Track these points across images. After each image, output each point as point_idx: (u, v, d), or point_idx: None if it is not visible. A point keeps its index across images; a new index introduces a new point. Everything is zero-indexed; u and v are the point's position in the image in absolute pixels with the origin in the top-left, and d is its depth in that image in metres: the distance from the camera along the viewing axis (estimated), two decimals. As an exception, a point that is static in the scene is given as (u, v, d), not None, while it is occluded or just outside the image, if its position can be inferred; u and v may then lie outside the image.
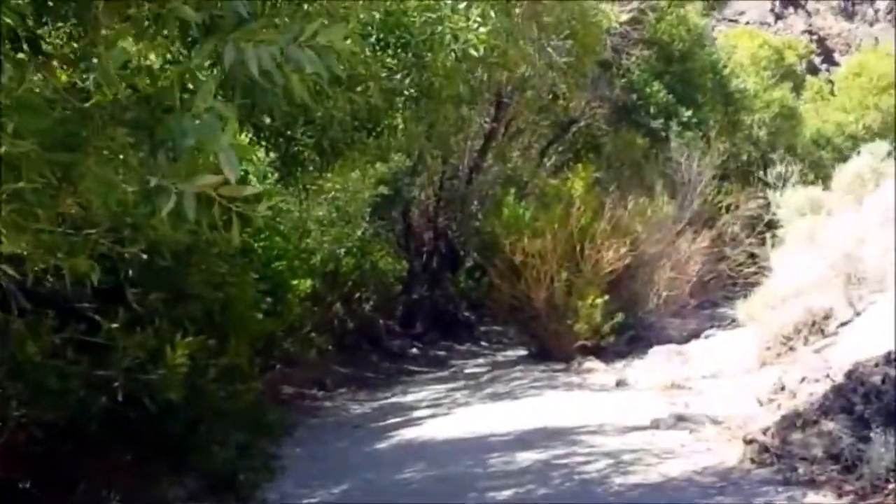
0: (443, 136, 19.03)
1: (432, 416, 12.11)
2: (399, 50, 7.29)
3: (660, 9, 23.61)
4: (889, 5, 45.80)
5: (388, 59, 7.24)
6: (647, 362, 14.05)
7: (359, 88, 6.53)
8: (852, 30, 45.25)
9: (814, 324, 12.01)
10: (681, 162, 20.63)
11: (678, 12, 23.94)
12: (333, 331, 18.39)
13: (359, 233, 17.69)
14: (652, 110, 22.86)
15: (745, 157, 28.83)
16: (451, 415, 11.99)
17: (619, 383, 12.62)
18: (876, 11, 45.91)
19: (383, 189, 15.62)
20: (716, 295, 19.30)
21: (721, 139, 24.16)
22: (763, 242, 20.17)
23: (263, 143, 7.06)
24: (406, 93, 7.44)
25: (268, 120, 6.34)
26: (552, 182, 15.76)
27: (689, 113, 22.91)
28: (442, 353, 20.86)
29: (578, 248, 14.97)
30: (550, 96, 22.44)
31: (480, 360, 19.74)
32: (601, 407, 11.10)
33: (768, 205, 22.36)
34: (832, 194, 14.37)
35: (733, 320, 18.25)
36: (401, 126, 7.73)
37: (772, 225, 17.78)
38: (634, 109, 22.97)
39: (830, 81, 37.03)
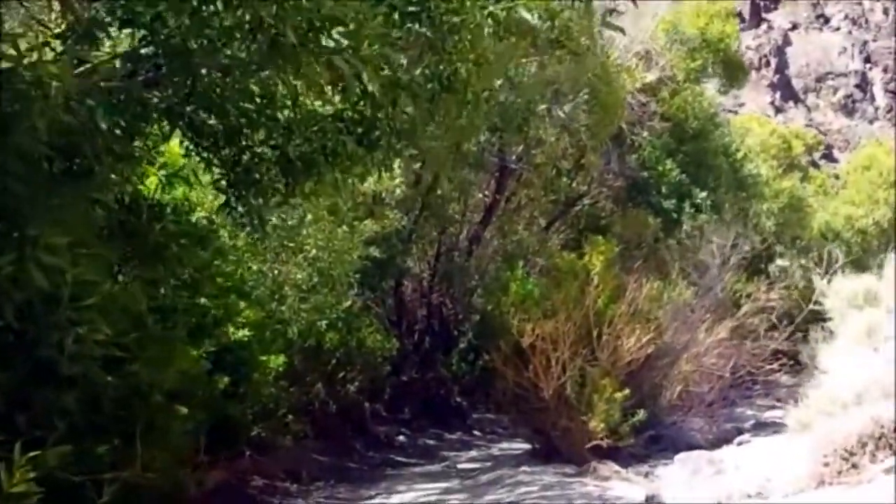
0: (443, 199, 17.03)
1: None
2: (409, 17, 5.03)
3: (677, 81, 21.74)
4: (889, 103, 44.39)
5: (394, 31, 4.99)
6: (674, 472, 11.74)
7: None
8: (852, 126, 43.73)
9: (881, 437, 9.77)
10: (698, 246, 18.64)
11: (694, 88, 22.03)
12: (313, 414, 16.10)
13: (345, 304, 15.46)
14: (664, 189, 20.86)
15: (747, 248, 26.89)
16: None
17: (650, 500, 10.26)
18: (876, 109, 44.51)
19: (374, 251, 13.36)
20: (733, 394, 17.00)
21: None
22: (793, 337, 18.06)
23: (204, 153, 4.81)
24: (416, 83, 5.14)
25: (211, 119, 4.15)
26: (567, 256, 13.50)
27: (704, 195, 20.91)
28: (432, 442, 18.52)
29: (595, 332, 12.71)
30: (554, 170, 20.51)
31: (474, 454, 17.41)
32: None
33: (791, 296, 20.29)
34: (888, 285, 12.18)
35: (761, 424, 16.06)
36: (406, 128, 5.37)
37: (815, 317, 15.68)
38: (646, 188, 20.95)
39: (836, 176, 35.24)
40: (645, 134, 21.03)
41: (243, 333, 9.03)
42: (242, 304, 9.18)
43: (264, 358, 10.46)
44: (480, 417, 21.09)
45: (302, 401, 15.10)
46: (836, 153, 42.73)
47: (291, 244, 10.33)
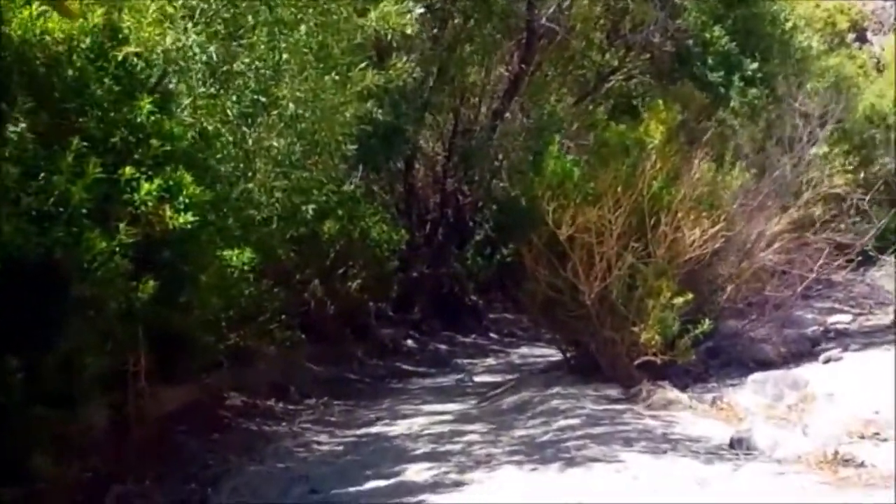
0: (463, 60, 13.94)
1: (434, 482, 6.97)
2: None
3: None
4: (925, -16, 40.39)
5: None
6: (749, 398, 8.96)
7: None
8: (886, 8, 39.75)
9: None
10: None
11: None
12: (308, 317, 13.34)
13: (344, 186, 12.57)
14: (710, 60, 17.65)
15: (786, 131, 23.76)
16: (465, 486, 6.82)
17: (737, 445, 7.39)
18: (913, -12, 40.44)
19: (376, 111, 10.31)
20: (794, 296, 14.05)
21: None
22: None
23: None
24: None
25: None
26: (615, 127, 10.48)
27: (755, 66, 17.70)
28: (443, 346, 15.79)
29: (650, 222, 9.79)
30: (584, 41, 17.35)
31: (492, 362, 14.68)
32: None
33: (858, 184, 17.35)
34: None
35: (831, 332, 13.17)
36: None
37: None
38: (689, 59, 17.74)
39: (877, 58, 31.68)
40: (688, -4, 17.78)
41: (185, 219, 6.11)
42: (188, 178, 6.23)
43: (224, 252, 7.57)
44: (497, 318, 18.38)
45: (294, 302, 12.31)
46: (869, 35, 38.94)
47: (264, 98, 7.36)
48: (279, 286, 11.47)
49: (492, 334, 17.30)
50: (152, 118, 6.35)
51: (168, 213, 6.12)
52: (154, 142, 6.18)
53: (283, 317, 11.51)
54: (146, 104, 6.37)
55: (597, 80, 18.38)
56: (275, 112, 7.33)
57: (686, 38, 17.65)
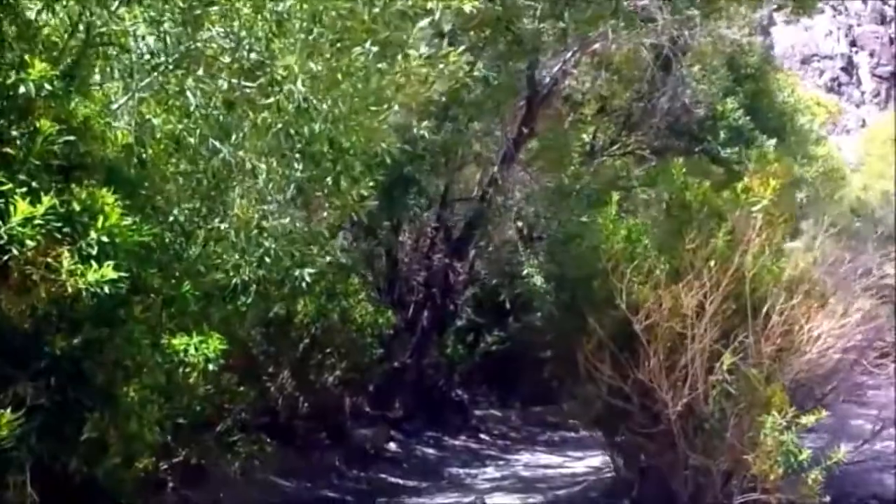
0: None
1: None
2: None
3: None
4: (875, 88, 38.94)
5: None
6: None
7: None
8: (840, 108, 38.08)
9: None
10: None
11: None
12: (275, 416, 10.14)
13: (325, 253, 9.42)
14: (723, 135, 14.98)
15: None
16: None
17: None
18: (862, 93, 38.94)
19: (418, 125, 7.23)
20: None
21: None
22: None
23: None
24: None
25: None
26: (698, 186, 7.48)
27: (772, 142, 15.06)
28: (431, 451, 12.53)
29: (750, 309, 6.78)
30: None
31: (494, 474, 11.52)
32: None
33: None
34: None
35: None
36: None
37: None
38: (700, 132, 15.06)
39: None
40: (696, 67, 15.17)
41: (100, 275, 2.92)
42: (110, 199, 3.07)
43: (173, 341, 4.34)
44: (483, 415, 15.17)
45: (259, 400, 9.10)
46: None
47: (249, 84, 4.30)
48: (245, 382, 8.28)
49: (482, 435, 14.07)
50: (49, 90, 3.20)
51: (68, 263, 2.93)
52: (44, 124, 3.02)
53: (247, 421, 8.31)
54: (40, 70, 3.22)
55: (587, 154, 15.47)
56: (267, 109, 4.18)
57: (697, 110, 14.97)
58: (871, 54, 40.16)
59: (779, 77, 18.55)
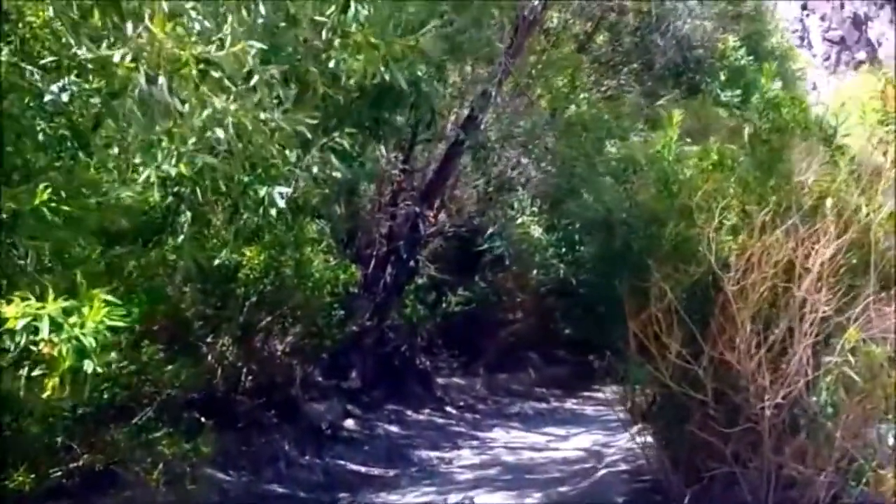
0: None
1: None
2: None
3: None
4: (826, 51, 37.56)
5: None
6: None
7: None
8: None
9: None
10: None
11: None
12: (213, 391, 8.02)
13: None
14: (723, 76, 13.10)
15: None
16: None
17: None
18: (813, 56, 37.45)
19: None
20: None
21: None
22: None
23: None
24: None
25: None
26: (797, 102, 5.48)
27: (778, 87, 13.16)
28: (394, 429, 10.54)
29: (875, 264, 4.80)
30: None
31: (473, 459, 9.57)
32: None
33: None
34: None
35: None
36: None
37: None
38: (697, 71, 13.13)
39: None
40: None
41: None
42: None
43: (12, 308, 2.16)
44: (446, 383, 13.18)
45: (194, 373, 6.96)
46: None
47: None
48: (174, 351, 6.17)
49: (448, 408, 12.11)
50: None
51: None
52: None
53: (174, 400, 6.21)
54: None
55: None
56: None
57: (694, 47, 13.02)
58: (822, 18, 38.83)
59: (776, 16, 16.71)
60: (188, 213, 3.47)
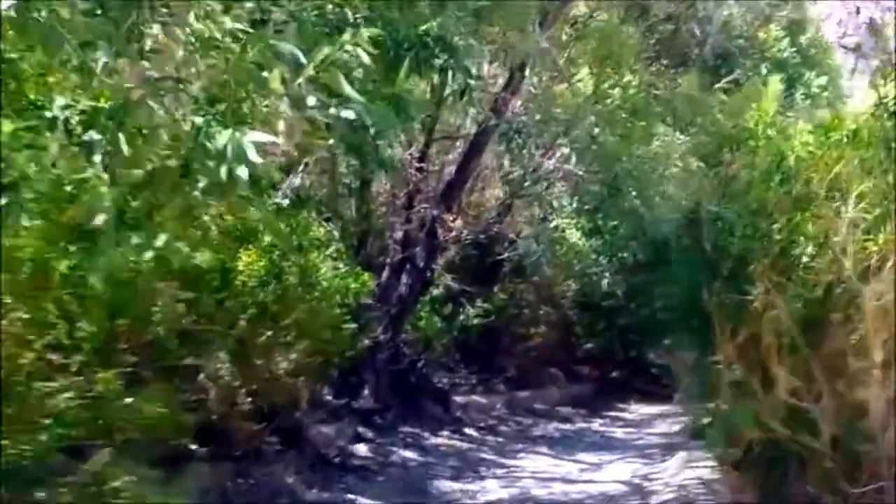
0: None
1: None
2: None
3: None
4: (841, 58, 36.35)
5: None
6: None
7: None
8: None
9: None
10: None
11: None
12: (206, 414, 6.90)
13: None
14: (764, 68, 11.97)
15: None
16: None
17: None
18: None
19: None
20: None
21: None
22: None
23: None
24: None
25: None
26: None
27: (823, 82, 12.19)
28: (410, 455, 9.43)
29: None
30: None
31: (493, 489, 8.33)
32: None
33: None
34: None
35: None
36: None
37: None
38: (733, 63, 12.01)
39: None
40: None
41: None
42: None
43: None
44: (465, 402, 12.03)
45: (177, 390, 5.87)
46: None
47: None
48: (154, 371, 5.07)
49: (467, 429, 10.97)
50: None
51: None
52: None
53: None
54: None
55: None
56: None
57: (734, 38, 11.90)
58: (839, 23, 37.69)
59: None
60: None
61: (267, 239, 7.10)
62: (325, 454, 8.31)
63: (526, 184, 9.56)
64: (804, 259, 3.98)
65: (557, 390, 14.20)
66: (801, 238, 4.04)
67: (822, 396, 3.86)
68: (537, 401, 13.45)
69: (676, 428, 12.36)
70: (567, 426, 12.48)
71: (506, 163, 12.55)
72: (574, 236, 7.81)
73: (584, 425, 12.77)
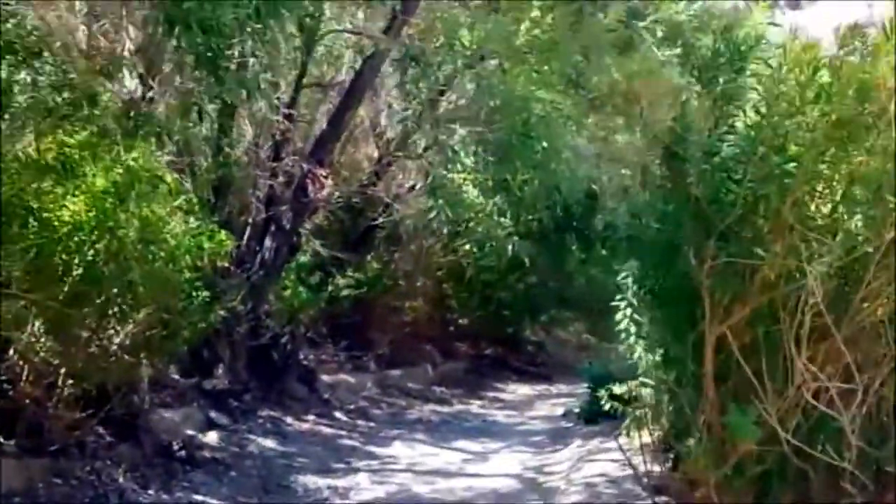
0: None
1: None
2: None
3: None
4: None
5: None
6: None
7: None
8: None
9: None
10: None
11: None
12: (14, 403, 5.40)
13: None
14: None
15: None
16: None
17: None
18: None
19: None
20: None
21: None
22: None
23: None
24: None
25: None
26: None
27: None
28: (271, 444, 8.13)
29: None
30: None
31: (366, 486, 7.13)
32: None
33: None
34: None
35: None
36: None
37: None
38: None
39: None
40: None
41: None
42: None
43: None
44: (334, 382, 10.80)
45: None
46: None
47: None
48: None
49: (337, 413, 9.74)
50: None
51: None
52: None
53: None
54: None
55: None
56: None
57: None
58: None
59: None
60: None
61: (100, 182, 5.68)
62: (167, 446, 6.91)
63: (421, 127, 8.27)
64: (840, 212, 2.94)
65: (432, 368, 13.11)
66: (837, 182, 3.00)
67: (854, 399, 2.92)
68: (411, 380, 12.33)
69: (560, 411, 11.48)
70: (444, 408, 11.41)
71: (383, 119, 11.40)
72: (472, 194, 6.62)
73: (461, 407, 11.72)
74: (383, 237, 12.36)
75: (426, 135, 8.12)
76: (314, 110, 9.64)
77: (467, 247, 9.58)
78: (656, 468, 6.31)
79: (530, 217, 6.49)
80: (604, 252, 16.48)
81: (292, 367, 9.80)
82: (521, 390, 13.99)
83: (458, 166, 6.80)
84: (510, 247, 7.46)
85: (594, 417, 9.45)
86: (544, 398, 13.23)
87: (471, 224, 7.26)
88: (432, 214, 7.53)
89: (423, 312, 13.45)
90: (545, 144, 6.00)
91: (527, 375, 15.17)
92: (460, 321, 15.07)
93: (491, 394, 13.17)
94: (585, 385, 10.96)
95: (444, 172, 6.85)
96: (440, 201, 7.30)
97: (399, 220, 12.07)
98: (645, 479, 5.42)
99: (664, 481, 4.89)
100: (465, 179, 6.70)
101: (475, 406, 11.92)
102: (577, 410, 10.61)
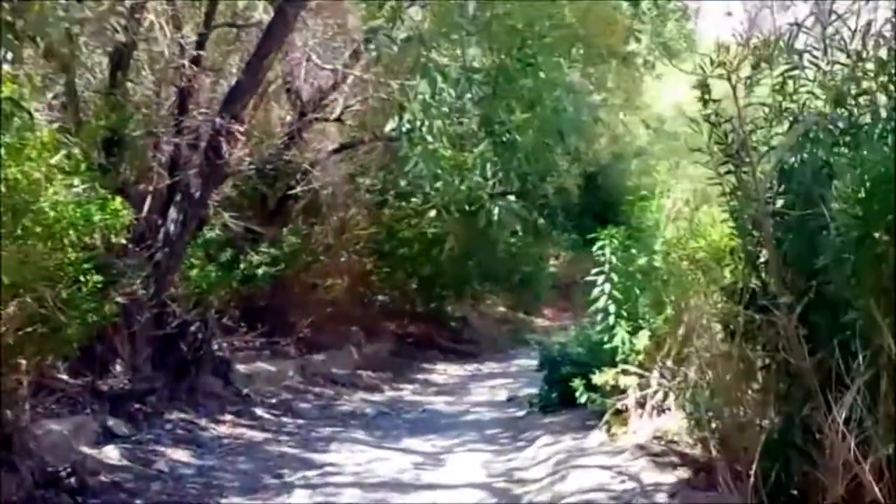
0: None
1: None
2: None
3: None
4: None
5: None
6: None
7: None
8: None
9: None
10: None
11: None
12: None
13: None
14: None
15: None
16: None
17: None
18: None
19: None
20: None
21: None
22: None
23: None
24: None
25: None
26: None
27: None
28: (183, 456, 6.68)
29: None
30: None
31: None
32: None
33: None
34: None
35: None
36: None
37: None
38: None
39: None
40: None
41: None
42: None
43: None
44: (251, 372, 9.36)
45: None
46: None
47: None
48: None
49: (257, 409, 8.28)
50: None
51: None
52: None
53: None
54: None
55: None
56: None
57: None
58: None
59: None
60: None
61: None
62: (53, 472, 5.37)
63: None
64: None
65: (357, 351, 11.76)
66: None
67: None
68: (335, 365, 10.98)
69: (502, 396, 10.30)
70: (376, 397, 10.08)
71: (301, 75, 9.98)
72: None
73: (394, 394, 10.41)
74: (301, 208, 10.94)
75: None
76: (225, 56, 8.11)
77: (432, 213, 8.19)
78: (667, 479, 5.14)
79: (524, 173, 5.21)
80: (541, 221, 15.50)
81: (204, 358, 8.27)
82: (451, 370, 12.80)
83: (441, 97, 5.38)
84: (496, 210, 6.12)
85: (551, 406, 8.29)
86: (478, 380, 12.06)
87: (446, 181, 5.84)
88: (408, 166, 6.07)
89: (345, 290, 12.07)
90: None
91: (453, 354, 14.03)
92: (382, 298, 13.81)
93: (421, 376, 11.91)
94: (533, 367, 9.83)
95: (423, 109, 5.39)
96: (418, 148, 5.83)
97: (318, 188, 10.71)
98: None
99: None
100: (444, 123, 5.30)
101: (408, 392, 10.63)
102: (522, 395, 9.47)
